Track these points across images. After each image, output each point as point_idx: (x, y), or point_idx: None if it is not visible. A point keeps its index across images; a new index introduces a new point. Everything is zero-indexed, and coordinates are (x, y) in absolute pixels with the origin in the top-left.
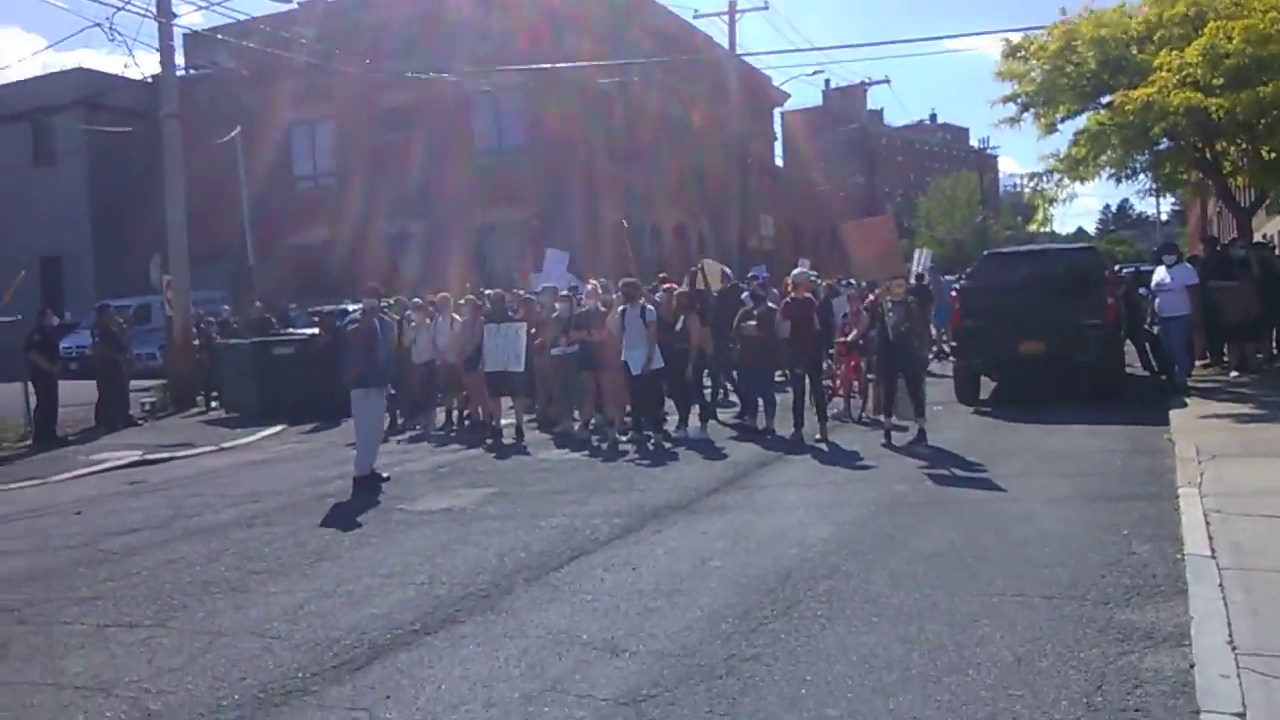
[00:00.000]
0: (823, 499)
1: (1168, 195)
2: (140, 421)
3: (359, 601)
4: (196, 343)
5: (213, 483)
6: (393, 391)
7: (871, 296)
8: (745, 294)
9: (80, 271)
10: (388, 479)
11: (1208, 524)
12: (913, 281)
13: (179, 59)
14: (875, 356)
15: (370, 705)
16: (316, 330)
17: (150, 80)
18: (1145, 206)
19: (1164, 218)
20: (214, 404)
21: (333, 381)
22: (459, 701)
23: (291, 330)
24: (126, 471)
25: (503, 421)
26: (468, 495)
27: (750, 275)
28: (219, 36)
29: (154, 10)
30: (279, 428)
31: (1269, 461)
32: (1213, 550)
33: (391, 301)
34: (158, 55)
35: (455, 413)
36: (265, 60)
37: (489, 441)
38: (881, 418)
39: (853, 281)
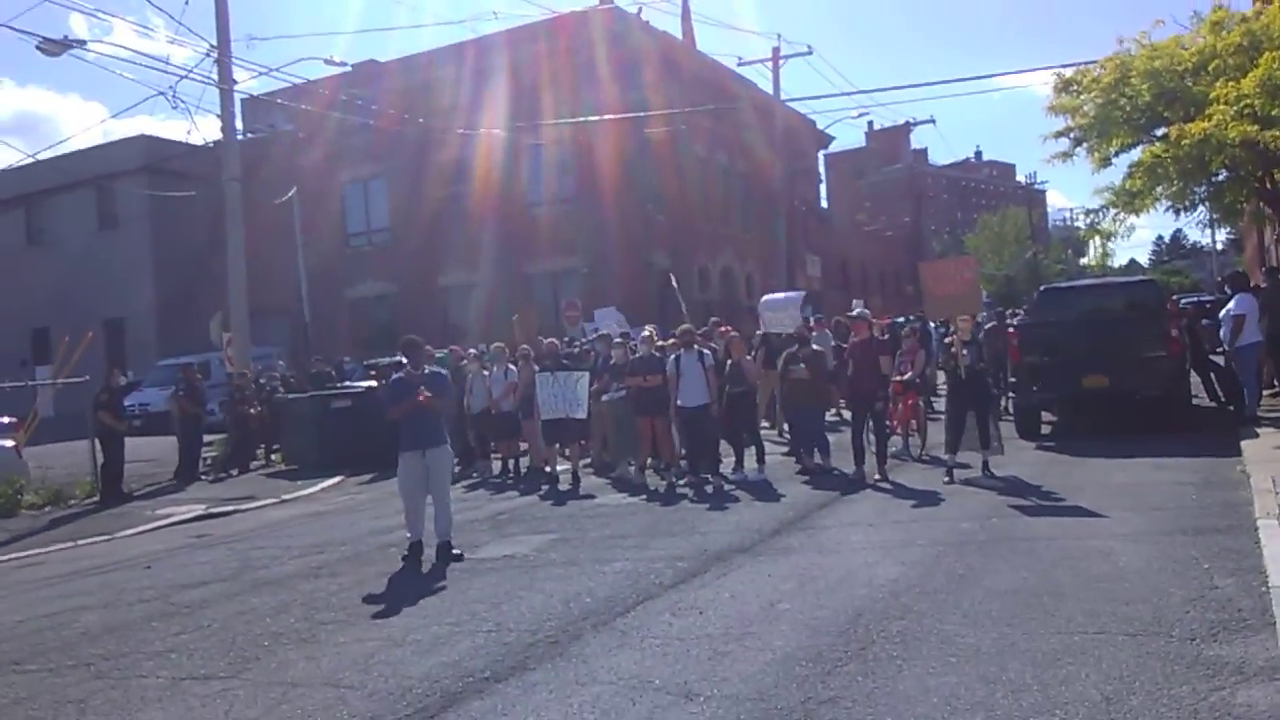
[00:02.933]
0: (888, 539)
1: (1224, 226)
2: (203, 477)
3: (428, 650)
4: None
5: (276, 535)
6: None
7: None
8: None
9: (143, 331)
10: (459, 556)
11: None
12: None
13: (237, 123)
14: (947, 394)
15: None
16: (374, 383)
17: (211, 145)
18: (1199, 237)
19: (1219, 247)
20: (274, 458)
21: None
22: None
23: (348, 383)
24: (191, 526)
25: (559, 468)
26: (529, 542)
27: (804, 317)
28: (277, 100)
29: (215, 78)
30: (338, 479)
31: None
32: None
33: (444, 353)
34: (217, 120)
35: (511, 461)
36: (320, 122)
37: (546, 488)
38: (944, 455)
39: (906, 320)
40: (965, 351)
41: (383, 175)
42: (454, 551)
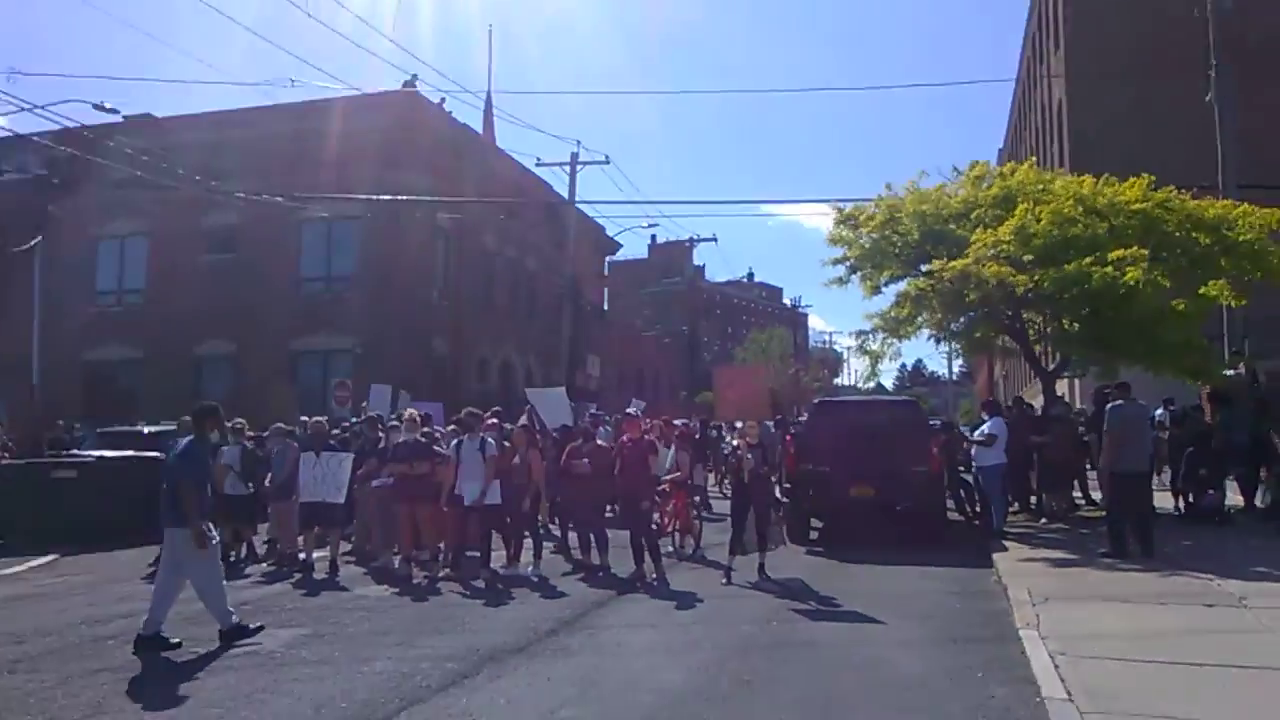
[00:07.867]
0: (671, 641)
1: (958, 359)
2: None
3: None
4: None
5: None
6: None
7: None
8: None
9: None
10: (258, 629)
11: (1056, 667)
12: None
13: None
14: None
15: None
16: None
17: None
18: (938, 367)
19: (954, 378)
20: None
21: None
22: None
23: (75, 452)
24: None
25: (315, 555)
26: (276, 636)
27: (589, 414)
28: (34, 138)
29: None
30: (51, 557)
31: (1097, 604)
32: (1069, 693)
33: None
34: None
35: (245, 546)
36: (78, 170)
37: (298, 577)
38: (724, 558)
39: (683, 423)
40: (749, 455)
41: (145, 234)
42: (252, 626)
